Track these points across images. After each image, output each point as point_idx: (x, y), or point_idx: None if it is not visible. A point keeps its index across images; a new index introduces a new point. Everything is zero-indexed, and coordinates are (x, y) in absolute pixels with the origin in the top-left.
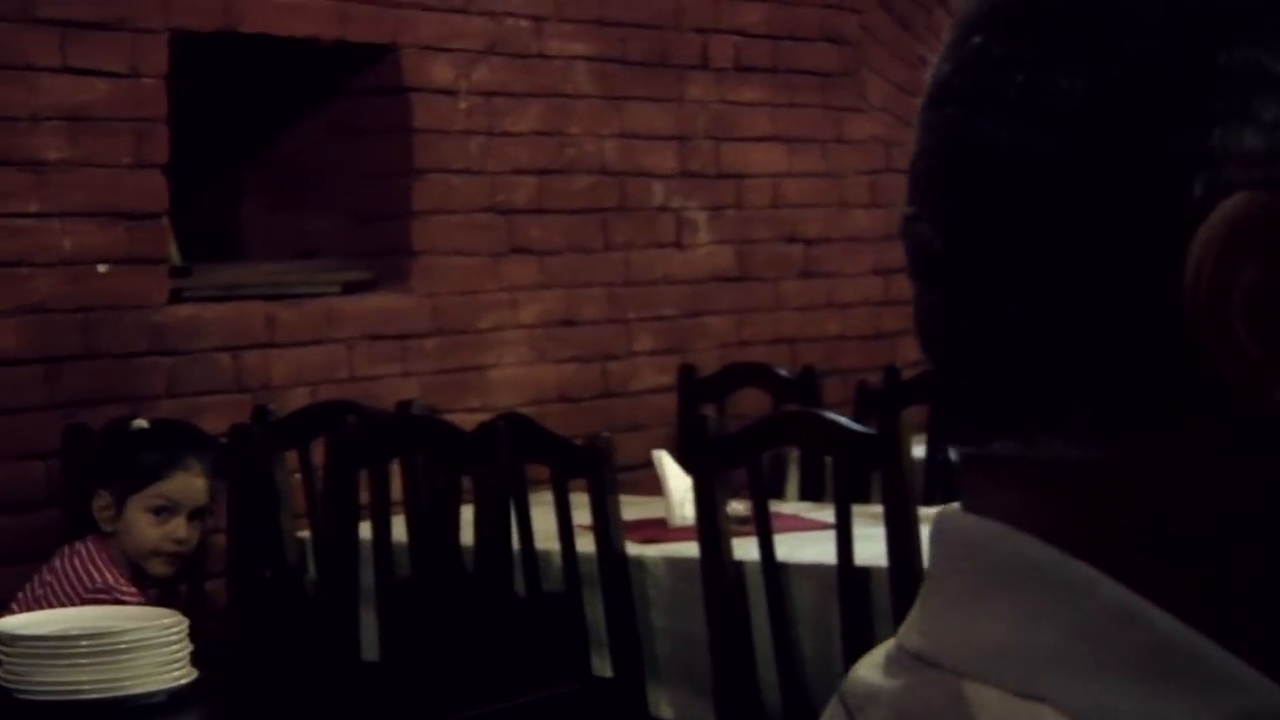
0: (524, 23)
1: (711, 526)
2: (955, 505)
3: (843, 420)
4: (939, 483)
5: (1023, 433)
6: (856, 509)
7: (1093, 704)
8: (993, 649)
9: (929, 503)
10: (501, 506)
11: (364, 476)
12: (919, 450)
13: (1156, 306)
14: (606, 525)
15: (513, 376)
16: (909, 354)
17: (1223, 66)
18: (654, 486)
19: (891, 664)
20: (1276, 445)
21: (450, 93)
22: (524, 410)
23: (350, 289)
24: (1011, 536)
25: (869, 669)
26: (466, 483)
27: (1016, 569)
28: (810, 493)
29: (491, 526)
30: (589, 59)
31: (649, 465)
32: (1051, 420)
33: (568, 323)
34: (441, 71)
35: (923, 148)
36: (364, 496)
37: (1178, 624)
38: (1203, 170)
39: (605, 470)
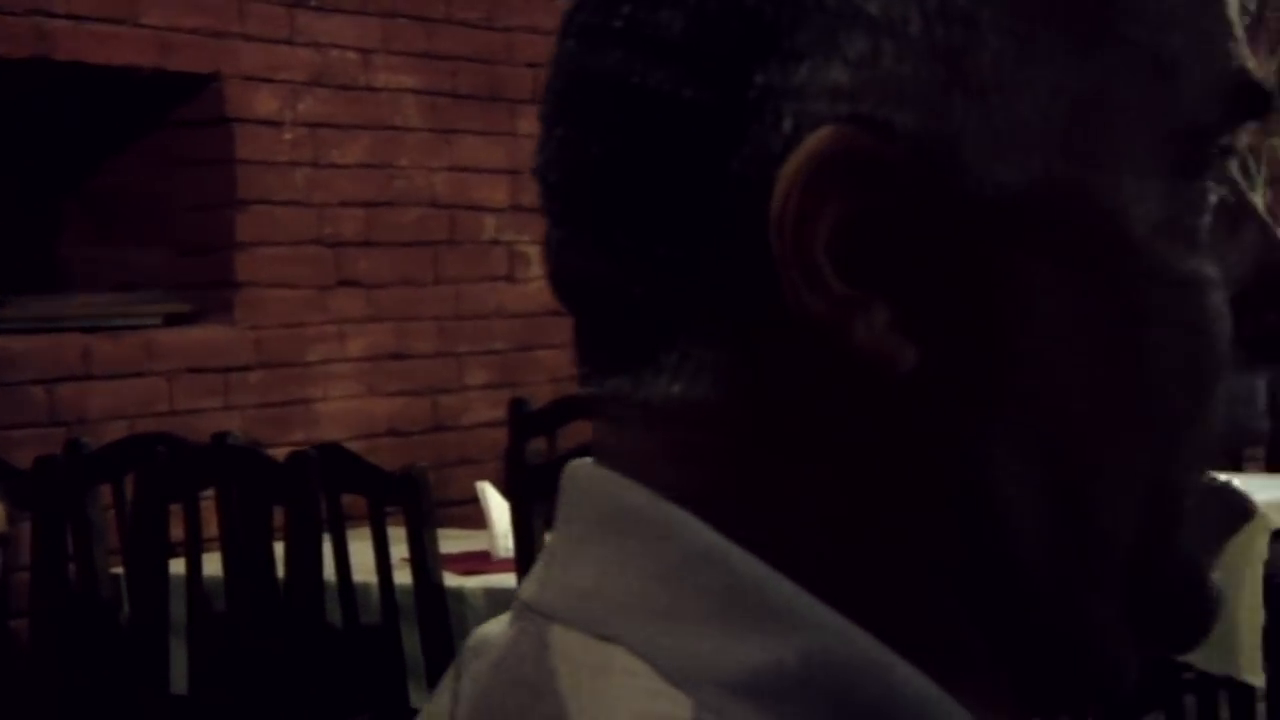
0: (351, 54)
1: (530, 555)
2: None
3: None
4: None
5: (632, 369)
6: None
7: (665, 644)
8: (581, 594)
9: None
10: (314, 537)
11: (179, 510)
12: None
13: (747, 244)
14: (424, 556)
15: (340, 410)
16: None
17: (813, 0)
18: (484, 520)
19: (511, 615)
20: (853, 385)
21: (275, 124)
22: (352, 444)
23: (171, 321)
24: (614, 482)
25: (494, 623)
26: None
27: (612, 515)
28: None
29: (303, 557)
30: (417, 92)
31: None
32: (655, 356)
33: (397, 356)
34: (265, 102)
35: (547, 82)
36: (180, 531)
37: (758, 565)
38: (791, 104)
39: (423, 500)
